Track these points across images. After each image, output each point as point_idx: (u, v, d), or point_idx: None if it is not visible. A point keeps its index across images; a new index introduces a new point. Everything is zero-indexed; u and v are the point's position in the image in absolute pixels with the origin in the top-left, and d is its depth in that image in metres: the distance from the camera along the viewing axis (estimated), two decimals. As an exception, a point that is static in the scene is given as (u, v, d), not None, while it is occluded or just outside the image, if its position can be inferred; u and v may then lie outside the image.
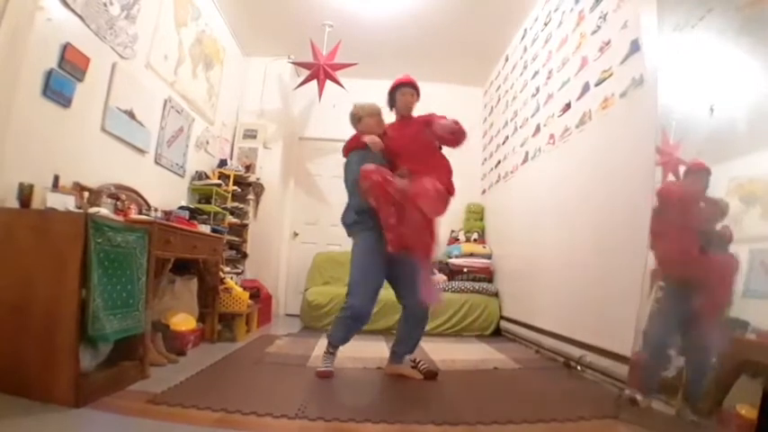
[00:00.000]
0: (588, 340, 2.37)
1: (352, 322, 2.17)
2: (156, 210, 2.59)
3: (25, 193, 1.84)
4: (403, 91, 2.34)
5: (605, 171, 2.40)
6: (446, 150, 2.29)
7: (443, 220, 4.67)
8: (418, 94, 2.38)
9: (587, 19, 2.72)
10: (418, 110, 2.39)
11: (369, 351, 2.81)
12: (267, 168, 4.54)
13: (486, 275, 4.21)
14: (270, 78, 4.71)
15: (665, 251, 1.69)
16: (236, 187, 4.04)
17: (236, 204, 4.06)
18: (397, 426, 1.50)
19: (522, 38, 3.92)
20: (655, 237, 1.72)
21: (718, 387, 1.39)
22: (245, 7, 3.93)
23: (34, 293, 1.53)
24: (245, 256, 4.22)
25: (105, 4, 2.36)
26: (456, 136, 2.16)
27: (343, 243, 3.45)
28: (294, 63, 4.45)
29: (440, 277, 4.22)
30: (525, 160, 3.63)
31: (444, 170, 2.21)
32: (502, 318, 3.88)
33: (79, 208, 2.00)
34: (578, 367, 2.36)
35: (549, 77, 3.25)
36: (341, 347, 2.25)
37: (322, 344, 2.92)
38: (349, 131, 2.54)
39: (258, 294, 3.69)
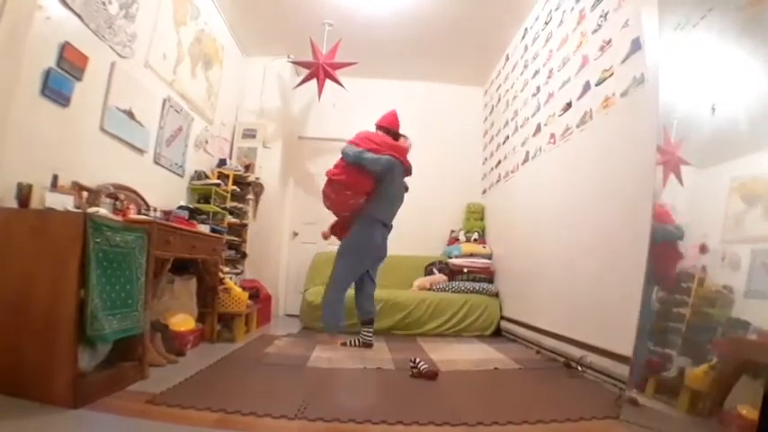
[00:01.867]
0: (589, 340, 2.37)
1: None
2: (155, 209, 2.59)
3: (24, 193, 1.83)
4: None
5: (606, 170, 2.40)
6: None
7: (444, 220, 4.79)
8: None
9: (588, 18, 2.71)
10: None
11: (369, 351, 2.82)
12: (266, 168, 4.53)
13: (487, 275, 4.20)
14: (269, 77, 4.69)
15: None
16: (235, 187, 4.03)
17: (235, 204, 4.05)
18: (397, 426, 1.50)
19: (523, 37, 3.91)
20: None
21: (719, 387, 1.39)
22: (244, 6, 3.92)
23: (32, 293, 1.52)
24: (244, 255, 4.21)
25: (104, 3, 2.35)
26: None
27: (343, 243, 3.43)
28: (293, 62, 4.44)
29: (440, 277, 4.22)
30: (526, 160, 3.62)
31: None
32: (502, 318, 3.88)
33: (78, 208, 2.00)
34: (579, 367, 2.35)
35: (549, 77, 3.25)
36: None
37: (322, 344, 2.93)
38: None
39: (257, 294, 3.68)
